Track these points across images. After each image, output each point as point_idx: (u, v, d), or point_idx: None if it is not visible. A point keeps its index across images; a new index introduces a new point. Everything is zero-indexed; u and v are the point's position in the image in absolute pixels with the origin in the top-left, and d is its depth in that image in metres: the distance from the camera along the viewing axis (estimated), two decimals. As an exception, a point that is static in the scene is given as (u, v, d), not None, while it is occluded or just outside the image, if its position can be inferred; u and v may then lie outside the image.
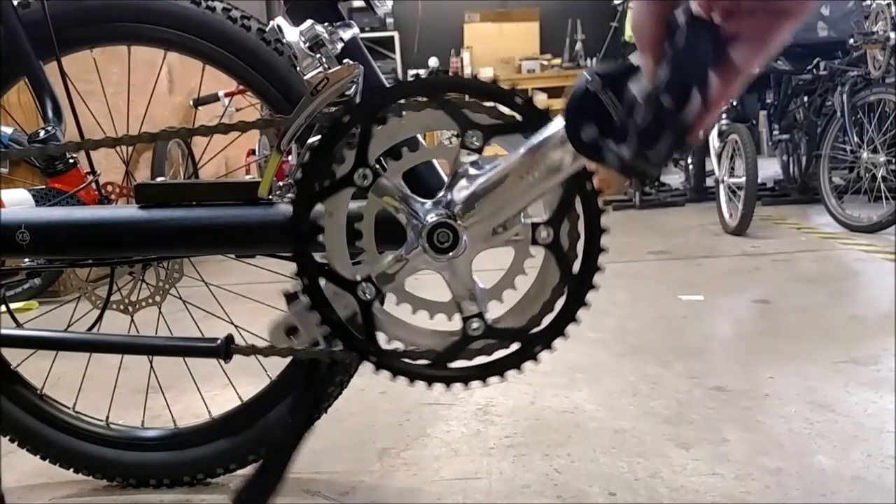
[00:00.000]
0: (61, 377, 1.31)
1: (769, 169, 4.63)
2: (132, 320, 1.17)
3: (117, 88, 1.42)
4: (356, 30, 0.95)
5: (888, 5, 3.42)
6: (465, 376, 0.85)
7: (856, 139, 3.51)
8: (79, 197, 1.25)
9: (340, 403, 1.17)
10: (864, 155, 3.51)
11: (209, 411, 1.21)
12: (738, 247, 3.22)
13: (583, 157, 0.67)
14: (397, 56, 7.81)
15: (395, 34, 7.80)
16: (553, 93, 6.89)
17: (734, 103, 4.03)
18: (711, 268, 2.88)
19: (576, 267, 0.82)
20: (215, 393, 1.39)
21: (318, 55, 0.85)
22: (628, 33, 5.08)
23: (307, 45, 0.85)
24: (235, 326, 1.18)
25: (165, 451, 1.20)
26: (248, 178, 1.09)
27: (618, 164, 0.59)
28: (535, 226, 0.80)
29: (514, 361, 0.84)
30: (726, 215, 3.65)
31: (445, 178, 0.81)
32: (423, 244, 0.79)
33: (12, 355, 1.21)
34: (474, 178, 0.79)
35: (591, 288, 0.82)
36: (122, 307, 1.16)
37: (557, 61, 7.69)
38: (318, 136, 0.82)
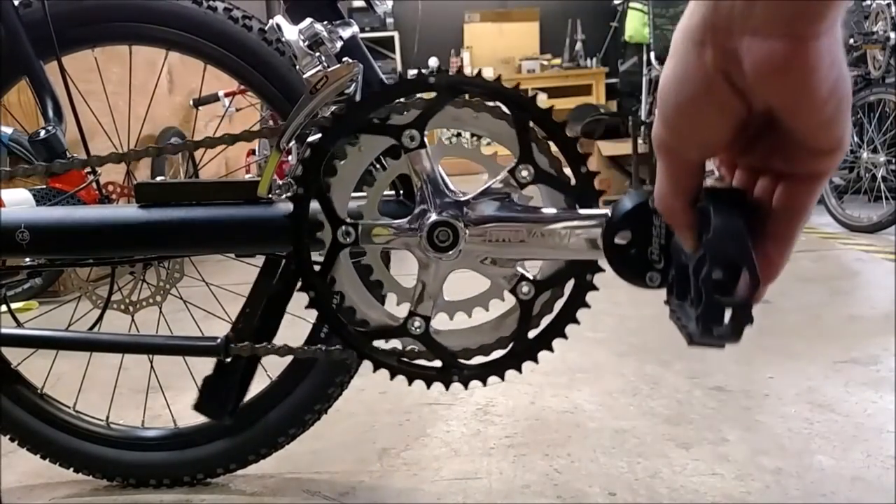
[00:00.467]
0: (62, 377, 1.31)
1: (769, 169, 4.63)
2: (132, 320, 1.17)
3: (117, 88, 1.42)
4: (356, 28, 0.95)
5: (888, 5, 3.42)
6: (378, 360, 0.85)
7: (856, 139, 3.51)
8: (79, 196, 1.25)
9: (340, 403, 1.17)
10: (864, 155, 3.51)
11: (209, 411, 1.21)
12: (738, 247, 3.21)
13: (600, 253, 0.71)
14: (397, 56, 7.80)
15: (395, 34, 7.79)
16: (553, 93, 6.90)
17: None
18: (711, 268, 2.87)
19: (531, 333, 0.83)
20: (215, 392, 1.39)
21: (317, 53, 0.85)
22: (628, 33, 5.07)
23: (306, 43, 0.85)
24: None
25: (165, 451, 1.20)
26: (247, 177, 1.09)
27: (688, 339, 0.55)
28: (521, 278, 0.81)
29: (435, 376, 0.85)
30: (727, 215, 3.65)
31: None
32: (422, 233, 0.79)
33: (13, 355, 1.21)
34: (506, 207, 0.79)
35: (532, 359, 0.84)
36: (122, 307, 1.16)
37: (557, 61, 7.69)
38: (319, 135, 0.81)
